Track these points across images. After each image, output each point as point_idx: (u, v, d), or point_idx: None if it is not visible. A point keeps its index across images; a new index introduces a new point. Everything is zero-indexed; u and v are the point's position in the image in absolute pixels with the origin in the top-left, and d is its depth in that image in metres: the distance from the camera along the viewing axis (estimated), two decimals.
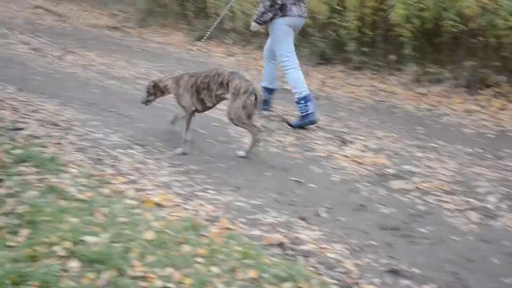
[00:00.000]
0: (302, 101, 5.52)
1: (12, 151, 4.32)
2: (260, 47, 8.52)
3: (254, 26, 5.71)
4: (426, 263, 3.38)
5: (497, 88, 6.37)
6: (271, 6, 5.46)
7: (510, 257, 3.49)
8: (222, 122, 5.70)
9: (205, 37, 6.40)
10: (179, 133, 5.34)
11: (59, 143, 4.75)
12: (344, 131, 5.57)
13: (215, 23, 6.60)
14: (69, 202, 3.59)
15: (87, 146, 4.83)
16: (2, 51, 8.38)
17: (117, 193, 3.93)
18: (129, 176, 4.33)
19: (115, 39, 9.92)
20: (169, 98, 5.41)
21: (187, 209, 3.87)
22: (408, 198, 4.19)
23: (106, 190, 3.93)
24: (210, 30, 6.38)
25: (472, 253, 3.50)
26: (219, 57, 8.50)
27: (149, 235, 3.27)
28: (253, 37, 8.75)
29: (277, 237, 3.54)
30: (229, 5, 7.24)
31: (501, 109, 6.08)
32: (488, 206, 4.08)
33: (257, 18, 5.62)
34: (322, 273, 3.21)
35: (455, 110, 6.14)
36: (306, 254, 3.38)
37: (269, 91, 5.98)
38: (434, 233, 3.73)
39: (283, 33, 5.54)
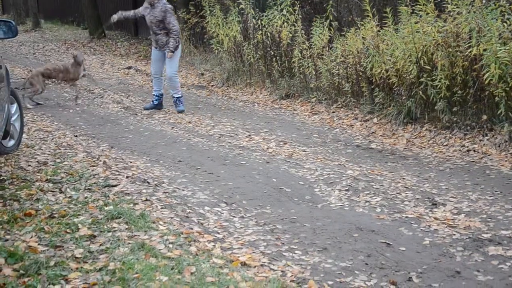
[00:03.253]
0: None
1: (104, 208, 4.44)
2: (345, 106, 8.53)
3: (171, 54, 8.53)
4: None
5: None
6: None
7: None
8: (308, 180, 5.67)
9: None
10: (266, 192, 5.34)
11: (148, 200, 4.85)
12: (434, 192, 5.39)
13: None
14: (158, 260, 3.62)
15: (175, 203, 4.90)
16: (97, 110, 8.79)
17: (204, 251, 3.94)
18: (216, 234, 4.34)
19: (201, 98, 10.19)
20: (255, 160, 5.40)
21: (273, 269, 3.81)
22: (508, 265, 3.95)
23: (193, 248, 3.95)
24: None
25: None
26: (304, 116, 8.53)
27: None
28: (339, 96, 8.75)
29: None
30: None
31: None
32: None
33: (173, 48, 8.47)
34: None
35: None
36: None
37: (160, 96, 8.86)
38: None
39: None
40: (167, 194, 5.15)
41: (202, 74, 11.93)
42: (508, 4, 6.93)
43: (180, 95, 8.78)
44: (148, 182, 5.36)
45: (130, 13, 8.85)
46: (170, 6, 8.61)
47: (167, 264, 3.58)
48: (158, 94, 8.86)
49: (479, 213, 4.85)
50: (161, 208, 4.74)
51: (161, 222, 4.36)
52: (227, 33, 11.05)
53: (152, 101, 8.96)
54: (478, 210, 4.92)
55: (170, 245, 3.92)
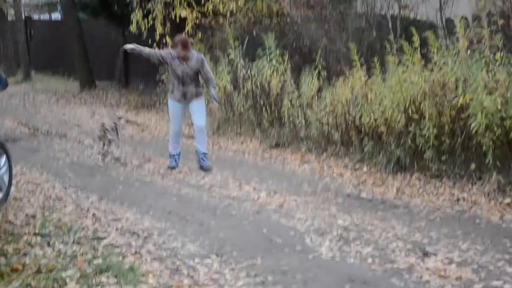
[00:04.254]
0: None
1: (93, 261, 4.40)
2: (335, 155, 8.56)
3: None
4: None
5: None
6: None
7: None
8: (298, 231, 5.65)
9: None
10: (256, 243, 5.30)
11: (137, 252, 4.81)
12: (425, 241, 5.37)
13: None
14: None
15: (164, 256, 4.86)
16: (87, 161, 8.77)
17: None
18: (206, 287, 4.30)
19: (191, 147, 10.17)
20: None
21: None
22: None
23: None
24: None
25: None
26: (294, 165, 8.54)
27: None
28: (329, 145, 8.80)
29: None
30: None
31: None
32: None
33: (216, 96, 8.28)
34: None
35: None
36: None
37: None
38: None
39: None
40: (156, 246, 5.11)
41: (193, 124, 11.96)
42: (492, 55, 7.07)
43: (207, 151, 8.29)
44: (138, 234, 5.32)
45: (146, 50, 8.22)
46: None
47: None
48: (178, 153, 8.35)
49: (470, 263, 4.83)
50: (151, 260, 4.71)
51: (150, 275, 4.32)
52: (217, 83, 11.15)
53: (174, 160, 8.33)
54: (469, 260, 4.90)
55: None
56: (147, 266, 4.54)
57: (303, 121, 9.34)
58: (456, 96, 7.00)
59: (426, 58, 7.76)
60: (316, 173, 8.07)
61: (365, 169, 7.91)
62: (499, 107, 6.56)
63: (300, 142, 9.24)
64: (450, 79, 7.17)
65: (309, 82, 9.31)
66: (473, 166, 6.88)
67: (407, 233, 5.60)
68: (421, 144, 7.35)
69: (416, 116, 7.42)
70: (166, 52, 8.13)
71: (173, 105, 8.24)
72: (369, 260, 4.94)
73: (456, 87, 7.08)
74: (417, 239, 5.44)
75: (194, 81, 8.07)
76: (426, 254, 5.05)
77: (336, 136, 8.63)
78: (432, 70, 7.51)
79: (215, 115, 11.21)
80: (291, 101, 9.49)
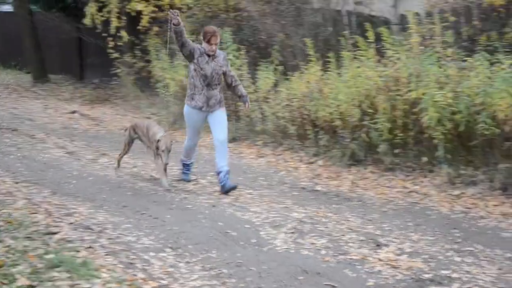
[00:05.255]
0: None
1: (45, 256, 4.32)
2: (291, 149, 8.62)
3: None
4: None
5: None
6: None
7: None
8: (253, 224, 5.67)
9: (166, 48, 7.53)
10: (211, 236, 5.31)
11: (91, 247, 4.75)
12: (378, 233, 5.47)
13: (167, 44, 7.20)
14: None
15: (118, 250, 4.81)
16: (39, 156, 8.60)
17: None
18: (160, 281, 4.28)
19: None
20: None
21: None
22: None
23: None
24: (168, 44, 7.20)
25: None
26: (250, 158, 8.57)
27: None
28: (285, 139, 8.85)
29: None
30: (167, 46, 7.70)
31: None
32: None
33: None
34: None
35: (491, 213, 6.01)
36: None
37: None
38: None
39: None
40: (111, 240, 5.06)
41: (148, 118, 11.87)
42: (443, 50, 7.23)
43: (229, 168, 6.83)
44: (91, 229, 5.26)
45: (185, 34, 6.58)
46: None
47: None
48: (190, 163, 7.31)
49: (421, 254, 4.94)
50: (105, 255, 4.65)
51: (104, 270, 4.27)
52: (173, 77, 11.08)
53: (186, 171, 7.32)
54: (420, 251, 5.01)
55: None
56: (101, 261, 4.48)
57: (259, 116, 9.36)
58: (409, 91, 7.13)
59: (380, 53, 7.88)
60: (272, 166, 8.12)
61: (320, 162, 7.99)
62: (450, 101, 6.71)
63: (256, 136, 9.27)
64: (403, 74, 7.30)
65: (265, 77, 9.33)
66: (424, 159, 7.03)
67: (360, 225, 5.69)
68: (375, 138, 7.46)
69: (370, 111, 7.53)
70: (196, 46, 6.70)
71: (189, 112, 6.83)
72: (323, 251, 5.00)
73: (409, 82, 7.21)
74: (370, 230, 5.54)
75: (219, 84, 6.82)
76: (378, 245, 5.14)
77: (292, 130, 8.69)
78: (386, 65, 7.63)
79: (172, 109, 11.17)
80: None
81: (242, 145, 9.25)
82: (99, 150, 8.98)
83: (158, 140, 6.77)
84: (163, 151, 6.71)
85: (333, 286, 4.30)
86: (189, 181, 7.20)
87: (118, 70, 13.49)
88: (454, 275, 4.50)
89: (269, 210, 6.10)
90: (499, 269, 4.66)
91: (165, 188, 6.76)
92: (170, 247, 5.02)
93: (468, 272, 4.57)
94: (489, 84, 6.58)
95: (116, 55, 12.95)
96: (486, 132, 6.49)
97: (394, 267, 4.66)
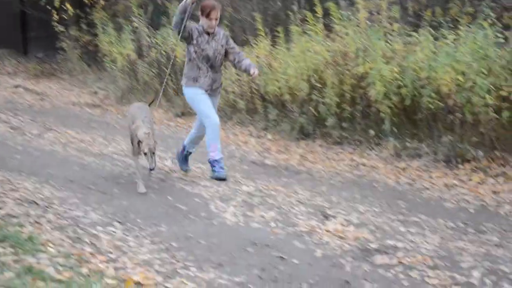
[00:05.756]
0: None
1: None
2: (240, 123, 8.64)
3: None
4: None
5: (476, 163, 6.45)
6: None
7: None
8: (203, 197, 5.67)
9: (155, 103, 7.07)
10: (161, 210, 5.29)
11: (37, 222, 4.66)
12: (326, 205, 5.56)
13: (161, 89, 6.93)
14: (46, 283, 3.48)
15: (65, 225, 4.74)
16: None
17: (97, 272, 3.84)
18: (109, 255, 4.24)
19: (95, 117, 9.96)
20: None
21: (168, 287, 3.78)
22: (392, 273, 4.14)
23: (85, 270, 3.83)
24: (159, 96, 6.81)
25: None
26: None
27: None
28: (234, 113, 8.85)
29: None
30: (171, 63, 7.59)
31: (480, 184, 6.13)
32: (472, 281, 4.04)
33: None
34: None
35: (435, 185, 6.18)
36: None
37: None
38: None
39: None
40: (57, 215, 4.97)
41: (96, 93, 11.68)
42: (390, 25, 7.34)
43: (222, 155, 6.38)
44: (37, 204, 5.15)
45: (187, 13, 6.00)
46: None
47: (56, 287, 3.46)
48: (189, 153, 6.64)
49: (367, 224, 5.05)
50: (51, 230, 4.58)
51: (50, 244, 4.20)
52: (120, 51, 10.91)
53: (183, 156, 6.63)
54: (367, 222, 5.12)
55: (60, 268, 3.78)
56: (47, 236, 4.40)
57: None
58: (357, 65, 7.22)
59: (328, 28, 7.94)
60: (221, 141, 8.09)
61: (269, 136, 8.04)
62: (396, 75, 6.83)
63: None
64: (351, 49, 7.38)
65: None
66: (372, 132, 7.16)
67: (309, 198, 5.77)
68: (323, 112, 7.55)
69: (319, 85, 7.59)
70: (194, 26, 6.17)
71: (198, 93, 6.19)
72: (272, 224, 5.05)
73: (357, 57, 7.30)
74: (318, 203, 5.62)
75: (221, 66, 6.36)
76: (326, 217, 5.22)
77: (241, 104, 8.69)
78: (334, 40, 7.69)
79: (119, 83, 11.01)
80: None
81: (191, 119, 9.20)
82: (45, 125, 8.79)
83: (139, 141, 5.70)
84: (145, 153, 5.66)
85: (282, 257, 4.36)
86: (188, 170, 6.58)
87: (64, 44, 13.18)
88: (399, 244, 4.62)
89: (219, 184, 6.10)
90: (441, 238, 4.81)
91: (141, 192, 5.79)
92: (119, 221, 4.97)
93: (412, 241, 4.70)
94: (434, 58, 6.72)
95: (61, 28, 12.65)
96: (431, 106, 6.65)
97: (341, 238, 4.75)
